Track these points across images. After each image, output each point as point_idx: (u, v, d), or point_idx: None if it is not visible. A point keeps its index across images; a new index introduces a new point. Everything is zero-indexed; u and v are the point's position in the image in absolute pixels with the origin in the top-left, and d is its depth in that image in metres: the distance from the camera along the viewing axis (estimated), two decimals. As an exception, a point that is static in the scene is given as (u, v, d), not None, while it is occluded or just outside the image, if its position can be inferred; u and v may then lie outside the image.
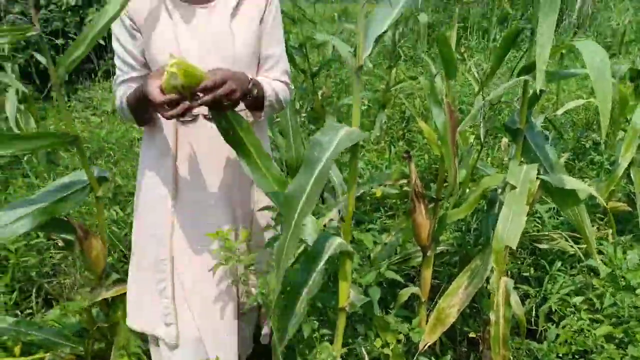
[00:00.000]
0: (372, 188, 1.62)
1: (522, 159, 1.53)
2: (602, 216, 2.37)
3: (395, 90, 3.88)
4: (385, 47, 4.16)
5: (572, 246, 2.03)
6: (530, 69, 1.42)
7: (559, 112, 2.91)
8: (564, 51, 3.69)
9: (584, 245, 1.85)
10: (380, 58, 5.21)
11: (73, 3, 4.98)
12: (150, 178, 1.40)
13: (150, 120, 1.36)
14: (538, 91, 1.37)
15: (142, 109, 1.26)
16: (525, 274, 2.12)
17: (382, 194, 1.87)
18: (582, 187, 1.46)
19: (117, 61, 1.35)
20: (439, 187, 1.57)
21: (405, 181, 1.61)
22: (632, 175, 2.25)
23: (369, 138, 3.47)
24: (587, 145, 3.21)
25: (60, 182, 1.36)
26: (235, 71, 1.19)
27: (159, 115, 1.21)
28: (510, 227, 1.26)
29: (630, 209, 2.30)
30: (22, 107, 3.37)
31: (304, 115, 3.13)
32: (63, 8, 5.02)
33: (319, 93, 3.27)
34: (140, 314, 1.45)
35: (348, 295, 1.25)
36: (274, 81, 1.41)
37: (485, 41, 6.93)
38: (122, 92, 1.33)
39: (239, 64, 1.31)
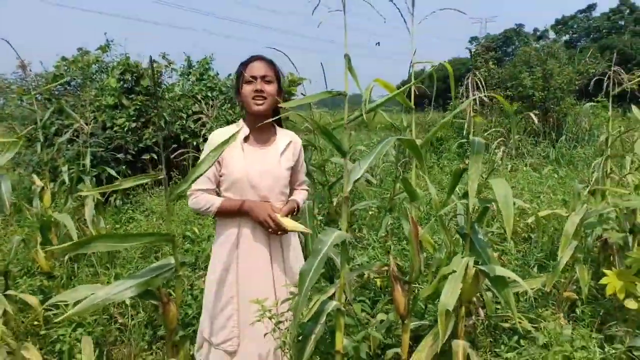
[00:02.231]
0: (363, 273, 2.27)
1: (469, 254, 2.19)
2: (555, 302, 2.94)
3: (399, 198, 4.62)
4: (390, 166, 4.99)
5: (530, 325, 2.59)
6: (467, 195, 2.13)
7: (529, 220, 3.58)
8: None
9: (537, 325, 2.45)
10: (391, 169, 6.05)
11: (133, 126, 6.02)
12: (223, 245, 2.22)
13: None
14: (472, 209, 2.07)
15: (231, 215, 2.17)
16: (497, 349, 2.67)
17: (381, 282, 2.52)
18: (509, 274, 2.09)
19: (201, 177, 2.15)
20: (411, 273, 2.22)
21: (386, 268, 2.26)
22: (577, 270, 2.86)
23: (376, 237, 4.14)
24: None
25: (156, 265, 2.05)
26: (287, 207, 2.20)
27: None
28: (448, 297, 1.90)
29: (577, 297, 2.88)
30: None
31: (320, 217, 3.85)
32: (125, 129, 6.06)
33: (334, 201, 4.03)
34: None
35: (342, 341, 1.87)
36: (302, 191, 2.41)
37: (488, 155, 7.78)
38: (207, 198, 2.17)
39: (283, 181, 2.23)
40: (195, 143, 6.84)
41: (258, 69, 2.17)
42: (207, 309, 2.28)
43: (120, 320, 3.31)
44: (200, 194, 2.20)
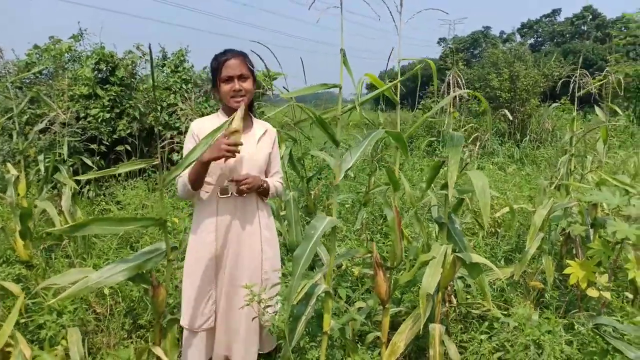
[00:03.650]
0: (348, 259, 2.37)
1: (446, 242, 2.32)
2: (522, 291, 3.11)
3: (374, 193, 4.76)
4: (365, 160, 5.12)
5: (500, 312, 2.75)
6: (446, 185, 2.26)
7: (498, 214, 3.76)
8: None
9: (506, 311, 2.61)
10: (365, 165, 6.19)
11: (108, 116, 5.97)
12: (201, 230, 2.33)
13: (201, 186, 2.28)
14: (451, 199, 2.20)
15: (201, 176, 2.20)
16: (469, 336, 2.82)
17: (359, 272, 2.63)
18: (484, 261, 2.23)
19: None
20: (392, 259, 2.34)
21: (369, 255, 2.37)
22: (543, 261, 3.04)
23: (352, 229, 4.26)
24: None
25: (147, 249, 2.11)
26: (256, 176, 2.23)
27: (205, 191, 2.29)
28: (429, 281, 2.02)
29: (543, 286, 3.07)
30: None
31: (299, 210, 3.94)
32: (99, 120, 6.00)
33: (312, 193, 4.13)
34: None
35: (329, 323, 1.97)
36: (276, 182, 2.47)
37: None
38: (184, 176, 2.25)
39: (259, 168, 2.35)
40: (169, 135, 6.81)
41: (234, 68, 2.26)
42: (185, 296, 2.39)
43: (98, 310, 3.33)
44: (179, 179, 2.31)
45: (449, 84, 2.19)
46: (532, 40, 63.25)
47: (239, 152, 2.12)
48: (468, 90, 2.04)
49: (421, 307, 1.98)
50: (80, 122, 5.79)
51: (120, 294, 3.33)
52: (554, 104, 3.77)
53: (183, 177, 2.27)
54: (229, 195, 2.31)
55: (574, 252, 3.42)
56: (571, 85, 3.47)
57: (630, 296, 2.98)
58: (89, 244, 4.22)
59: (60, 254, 4.08)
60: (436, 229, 3.18)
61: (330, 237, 1.96)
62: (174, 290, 3.23)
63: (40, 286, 2.18)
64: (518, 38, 61.43)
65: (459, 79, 2.18)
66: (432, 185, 2.38)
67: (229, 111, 2.33)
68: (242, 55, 2.33)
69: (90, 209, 5.38)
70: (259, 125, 2.46)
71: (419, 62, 2.16)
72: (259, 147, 2.38)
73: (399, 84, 2.12)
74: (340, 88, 1.84)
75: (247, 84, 2.30)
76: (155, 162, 1.92)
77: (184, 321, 2.38)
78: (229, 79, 2.26)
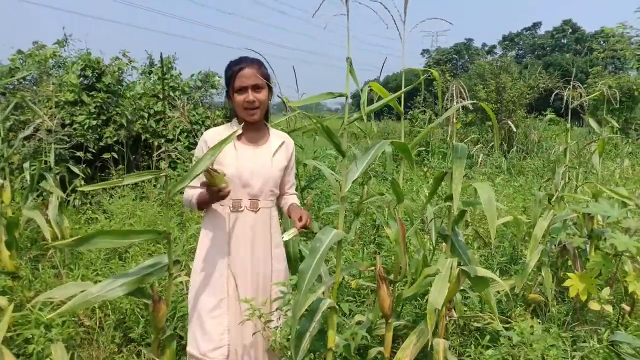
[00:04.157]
0: (350, 272, 2.32)
1: (450, 255, 2.28)
2: (521, 303, 3.09)
3: (367, 203, 4.72)
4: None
5: (498, 325, 2.72)
6: (451, 197, 2.22)
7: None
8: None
9: (507, 325, 2.57)
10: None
11: (94, 123, 5.85)
12: (211, 243, 2.20)
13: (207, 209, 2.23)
14: (455, 211, 2.17)
15: (207, 204, 2.16)
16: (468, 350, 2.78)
17: (356, 285, 2.59)
18: (490, 275, 2.20)
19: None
20: (396, 273, 2.29)
21: (373, 268, 2.32)
22: (542, 274, 3.02)
23: (346, 239, 4.21)
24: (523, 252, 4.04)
25: (148, 263, 2.03)
26: (304, 212, 2.13)
27: (220, 204, 2.17)
28: (437, 296, 1.98)
29: (544, 299, 3.04)
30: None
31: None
32: (85, 127, 5.88)
33: (305, 203, 4.07)
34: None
35: (334, 340, 1.91)
36: (296, 198, 2.42)
37: (444, 162, 8.04)
38: (192, 193, 2.18)
39: (273, 181, 2.22)
40: (156, 143, 6.71)
41: (248, 77, 2.15)
42: (194, 319, 2.22)
43: (87, 323, 3.22)
44: (188, 190, 2.22)
45: (452, 95, 2.16)
46: (513, 53, 64.31)
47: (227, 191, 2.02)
48: (474, 101, 2.01)
49: (428, 323, 1.94)
50: (65, 129, 5.66)
51: (109, 306, 3.23)
52: (548, 116, 3.77)
53: (189, 192, 2.19)
54: (242, 210, 2.19)
55: (569, 264, 3.43)
56: (552, 97, 3.48)
57: (628, 308, 2.98)
58: (76, 254, 4.11)
59: (47, 264, 3.96)
60: (432, 240, 3.15)
61: (336, 250, 1.90)
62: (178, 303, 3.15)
63: (36, 300, 2.08)
64: (499, 51, 62.38)
65: (462, 90, 2.16)
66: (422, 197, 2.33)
67: (243, 122, 2.21)
68: (258, 64, 2.21)
69: (76, 217, 5.24)
70: (276, 137, 2.33)
71: (423, 73, 2.13)
72: (275, 161, 2.25)
73: (402, 95, 2.08)
74: (347, 97, 1.80)
75: (262, 95, 2.19)
76: (164, 174, 1.85)
77: (190, 346, 2.20)
78: (243, 90, 2.15)
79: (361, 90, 1.85)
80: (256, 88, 2.17)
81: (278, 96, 3.53)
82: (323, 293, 1.99)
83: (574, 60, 47.80)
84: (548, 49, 60.65)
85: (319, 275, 2.72)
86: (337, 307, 1.91)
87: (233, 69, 2.17)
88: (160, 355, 2.16)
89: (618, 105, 9.54)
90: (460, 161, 2.09)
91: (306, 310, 1.85)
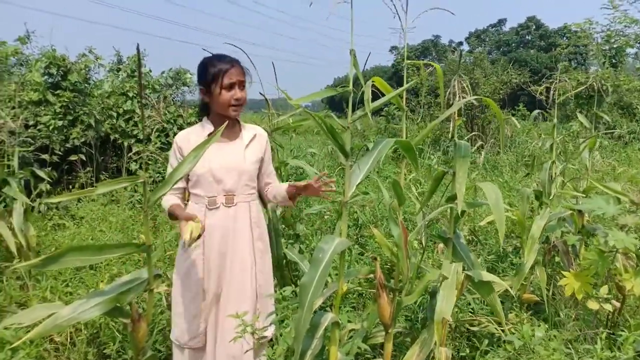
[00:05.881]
0: (348, 281, 2.18)
1: (453, 259, 2.16)
2: (518, 304, 3.00)
3: (351, 203, 4.58)
4: (343, 169, 4.93)
5: (495, 328, 2.62)
6: (453, 198, 2.10)
7: (482, 222, 3.66)
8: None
9: (506, 327, 2.47)
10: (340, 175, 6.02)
11: (60, 124, 5.54)
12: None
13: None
14: (459, 213, 2.04)
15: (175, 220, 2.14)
16: (462, 354, 2.68)
17: (346, 290, 2.44)
18: (495, 279, 2.09)
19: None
20: (396, 280, 2.16)
21: (372, 275, 2.18)
22: (537, 273, 2.94)
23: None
24: (509, 250, 3.96)
25: (125, 279, 1.84)
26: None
27: (195, 203, 2.17)
28: (445, 304, 1.85)
29: (539, 299, 2.96)
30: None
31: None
32: (51, 127, 5.56)
33: (289, 205, 3.91)
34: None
35: (336, 356, 1.77)
36: (278, 182, 2.39)
37: (422, 159, 7.99)
38: (167, 199, 2.18)
39: (247, 175, 2.19)
40: (126, 144, 6.43)
41: (237, 75, 2.16)
42: (175, 311, 2.26)
43: (57, 339, 2.99)
44: (167, 194, 2.18)
45: (454, 89, 2.04)
46: (480, 49, 65.23)
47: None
48: (478, 97, 1.90)
49: (436, 334, 1.82)
50: (29, 131, 5.34)
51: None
52: (535, 112, 3.72)
53: (164, 197, 2.14)
54: (218, 206, 2.14)
55: (557, 260, 3.37)
56: (522, 92, 3.41)
57: (617, 304, 2.92)
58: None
59: (12, 275, 3.69)
60: (423, 240, 3.04)
61: (340, 259, 1.75)
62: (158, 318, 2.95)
63: (1, 325, 1.86)
64: (466, 47, 63.25)
65: (464, 85, 2.04)
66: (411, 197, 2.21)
67: (219, 121, 2.15)
68: (239, 62, 2.21)
69: (42, 224, 4.95)
70: (247, 130, 2.30)
71: (425, 65, 2.00)
72: (248, 154, 2.23)
73: (404, 92, 1.95)
74: (352, 92, 1.65)
75: (244, 93, 2.20)
76: (141, 180, 1.66)
77: (173, 334, 2.26)
78: (231, 87, 2.13)
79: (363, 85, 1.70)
80: (241, 85, 2.18)
81: (260, 93, 3.39)
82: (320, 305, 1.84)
83: (538, 56, 48.84)
84: (513, 45, 61.76)
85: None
86: (341, 322, 1.76)
87: (220, 66, 2.14)
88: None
89: (576, 101, 9.71)
90: (463, 160, 1.97)
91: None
